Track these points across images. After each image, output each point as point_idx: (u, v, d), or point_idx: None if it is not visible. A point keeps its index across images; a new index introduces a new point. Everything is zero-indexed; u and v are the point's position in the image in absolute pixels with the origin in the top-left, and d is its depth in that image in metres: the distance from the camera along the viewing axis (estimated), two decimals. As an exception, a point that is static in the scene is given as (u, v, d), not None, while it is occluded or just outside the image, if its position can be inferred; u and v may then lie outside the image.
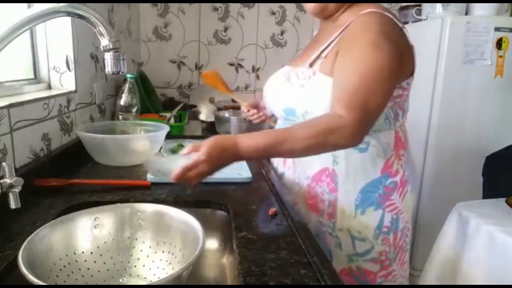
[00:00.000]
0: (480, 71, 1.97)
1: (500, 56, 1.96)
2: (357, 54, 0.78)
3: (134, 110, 1.39)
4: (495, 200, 1.56)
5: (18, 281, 0.50)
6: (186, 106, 2.00)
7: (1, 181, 0.60)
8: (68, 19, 1.16)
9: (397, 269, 0.94)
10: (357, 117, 0.72)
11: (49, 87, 1.20)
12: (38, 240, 0.54)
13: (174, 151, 1.07)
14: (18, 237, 0.62)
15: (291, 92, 0.91)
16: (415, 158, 2.08)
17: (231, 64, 2.48)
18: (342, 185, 0.89)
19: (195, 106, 2.08)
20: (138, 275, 0.63)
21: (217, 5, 2.39)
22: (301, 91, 0.88)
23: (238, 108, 1.77)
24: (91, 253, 0.62)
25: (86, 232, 0.62)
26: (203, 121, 2.02)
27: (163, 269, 0.62)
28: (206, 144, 0.71)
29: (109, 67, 0.70)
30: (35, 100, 0.94)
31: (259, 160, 0.89)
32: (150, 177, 0.93)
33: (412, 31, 2.33)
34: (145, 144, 1.10)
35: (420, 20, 2.18)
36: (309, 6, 0.91)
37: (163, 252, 0.64)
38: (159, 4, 2.34)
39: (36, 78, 1.17)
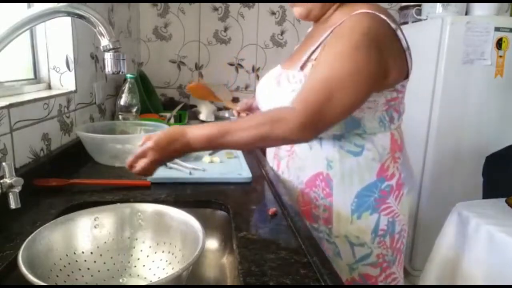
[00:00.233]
0: (480, 71, 1.97)
1: (500, 56, 1.96)
2: (334, 55, 0.77)
3: (134, 110, 1.39)
4: (495, 200, 1.56)
5: (18, 281, 0.50)
6: (186, 106, 2.00)
7: (1, 181, 0.60)
8: (68, 19, 1.16)
9: (397, 272, 0.94)
10: (307, 112, 0.72)
11: (49, 87, 1.20)
12: (38, 240, 0.54)
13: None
14: (18, 237, 0.62)
15: (282, 97, 0.88)
16: (415, 159, 2.10)
17: (231, 64, 2.48)
18: (337, 190, 0.88)
19: (195, 106, 2.08)
20: (138, 275, 0.63)
21: (217, 5, 2.39)
22: (291, 96, 0.84)
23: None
24: (91, 253, 0.62)
25: (86, 232, 0.62)
26: (203, 121, 2.02)
27: (163, 269, 0.62)
28: (157, 134, 0.76)
29: (109, 67, 0.70)
30: (35, 100, 0.94)
31: (209, 149, 0.85)
32: (150, 177, 0.93)
33: (412, 31, 2.34)
34: (145, 144, 1.09)
35: (420, 20, 2.18)
36: (295, 10, 0.91)
37: (163, 252, 0.64)
38: (159, 4, 2.34)
39: (36, 78, 1.17)
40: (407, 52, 0.82)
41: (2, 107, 0.79)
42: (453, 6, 2.03)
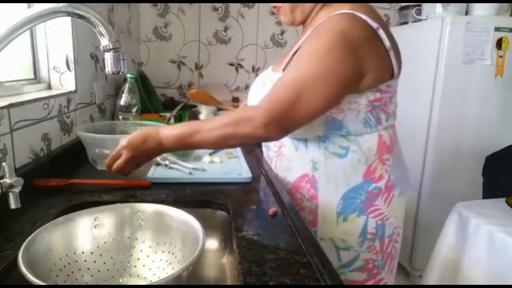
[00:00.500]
0: (480, 71, 1.97)
1: (500, 56, 1.97)
2: (306, 56, 0.78)
3: (134, 110, 1.39)
4: (495, 200, 1.56)
5: (18, 281, 0.50)
6: (186, 106, 2.00)
7: (1, 181, 0.60)
8: (68, 19, 1.16)
9: (386, 277, 0.92)
10: (271, 111, 0.73)
11: (49, 87, 1.20)
12: (38, 240, 0.54)
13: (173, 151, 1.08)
14: (18, 237, 0.62)
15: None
16: (415, 159, 2.10)
17: (231, 64, 2.48)
18: (323, 192, 0.87)
19: (195, 106, 2.08)
20: (138, 275, 0.63)
21: (217, 5, 2.39)
22: None
23: (237, 107, 1.77)
24: (91, 253, 0.62)
25: (86, 232, 0.62)
26: (203, 121, 2.02)
27: (163, 269, 0.62)
28: (131, 135, 0.82)
29: (109, 67, 0.70)
30: (35, 100, 0.94)
31: (181, 149, 0.88)
32: (150, 177, 0.93)
33: (412, 31, 2.34)
34: (145, 144, 1.09)
35: (420, 20, 2.18)
36: (281, 18, 0.93)
37: (163, 252, 0.64)
38: (159, 4, 2.34)
39: (36, 78, 1.17)
40: (390, 52, 0.80)
41: (2, 107, 0.79)
42: (453, 6, 2.03)
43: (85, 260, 0.60)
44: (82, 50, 1.27)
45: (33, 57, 1.16)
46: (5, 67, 1.02)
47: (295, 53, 0.86)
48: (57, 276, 0.55)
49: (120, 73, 0.72)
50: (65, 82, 1.20)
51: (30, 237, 0.53)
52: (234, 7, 2.40)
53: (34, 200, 0.77)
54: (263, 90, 0.90)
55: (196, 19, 2.39)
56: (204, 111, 2.05)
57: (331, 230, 0.88)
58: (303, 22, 0.92)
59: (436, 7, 2.08)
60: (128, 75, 1.38)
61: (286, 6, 0.90)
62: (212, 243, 0.82)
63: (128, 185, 0.89)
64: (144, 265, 0.64)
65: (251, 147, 1.23)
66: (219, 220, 0.82)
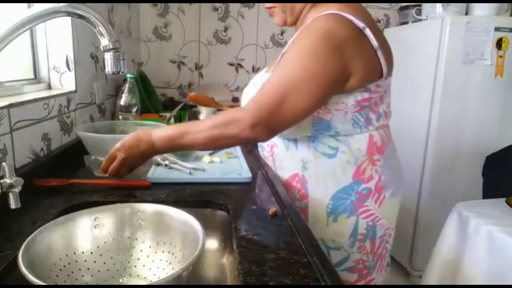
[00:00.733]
0: (480, 71, 1.97)
1: (500, 56, 1.97)
2: (290, 57, 0.79)
3: (134, 110, 1.39)
4: (495, 200, 1.56)
5: (18, 281, 0.50)
6: (186, 106, 2.00)
7: (1, 181, 0.60)
8: (68, 19, 1.16)
9: (376, 277, 0.92)
10: (257, 112, 0.75)
11: (49, 87, 1.20)
12: (38, 240, 0.54)
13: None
14: (18, 237, 0.62)
15: None
16: (415, 159, 2.10)
17: (231, 64, 2.48)
18: (312, 192, 0.88)
19: (195, 106, 2.08)
20: (138, 275, 0.63)
21: (217, 5, 2.39)
22: None
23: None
24: (91, 253, 0.62)
25: (86, 232, 0.62)
26: (203, 121, 2.02)
27: (163, 269, 0.62)
28: (125, 137, 0.84)
29: (109, 67, 0.70)
30: (35, 100, 0.94)
31: (172, 150, 0.90)
32: (150, 177, 0.93)
33: (412, 31, 2.34)
34: (145, 144, 1.09)
35: (420, 20, 2.18)
36: (274, 18, 0.94)
37: (163, 252, 0.64)
38: (159, 4, 2.34)
39: (36, 78, 1.17)
40: (378, 51, 0.80)
41: (2, 107, 0.79)
42: (453, 6, 2.04)
43: (85, 260, 0.60)
44: (82, 50, 1.27)
45: (33, 57, 1.16)
46: (5, 67, 1.02)
47: (284, 53, 0.87)
48: (57, 276, 0.55)
49: (120, 73, 0.72)
50: (65, 82, 1.20)
51: (30, 237, 0.53)
52: (234, 7, 2.40)
53: (34, 200, 0.77)
54: (254, 90, 0.91)
55: (196, 19, 2.39)
56: (204, 111, 2.05)
57: (321, 230, 0.88)
58: (295, 23, 0.92)
59: (436, 7, 2.08)
60: (128, 75, 1.38)
61: (277, 7, 0.91)
62: (212, 243, 0.82)
63: (128, 185, 0.89)
64: (144, 265, 0.64)
65: (251, 147, 1.23)
66: (219, 220, 0.82)
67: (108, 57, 0.70)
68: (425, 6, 2.17)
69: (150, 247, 0.65)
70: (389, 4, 2.51)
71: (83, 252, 0.61)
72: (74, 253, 0.60)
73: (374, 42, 0.79)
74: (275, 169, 0.98)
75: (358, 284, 0.90)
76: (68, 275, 0.57)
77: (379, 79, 0.83)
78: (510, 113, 2.06)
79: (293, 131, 0.83)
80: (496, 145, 1.94)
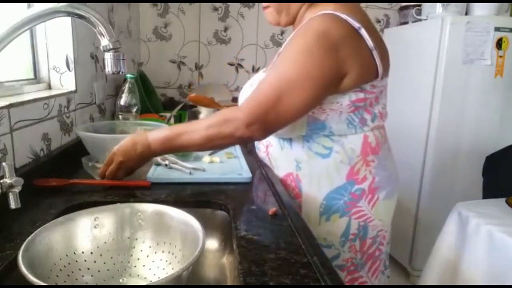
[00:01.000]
0: (480, 71, 1.97)
1: (500, 56, 1.97)
2: (286, 56, 0.79)
3: (134, 110, 1.39)
4: (495, 200, 1.56)
5: (18, 281, 0.50)
6: (186, 106, 2.00)
7: (1, 181, 0.60)
8: (68, 19, 1.16)
9: (366, 277, 0.92)
10: (252, 112, 0.76)
11: (49, 87, 1.20)
12: (38, 240, 0.54)
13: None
14: (18, 237, 0.62)
15: None
16: (415, 159, 2.10)
17: (231, 64, 2.48)
18: (306, 191, 0.88)
19: (195, 106, 2.08)
20: (138, 275, 0.63)
21: (217, 5, 2.39)
22: None
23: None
24: (91, 253, 0.62)
25: (86, 232, 0.62)
26: (203, 121, 2.02)
27: (163, 269, 0.62)
28: (122, 140, 0.85)
29: (109, 67, 0.70)
30: (35, 100, 0.94)
31: (168, 152, 0.90)
32: (150, 177, 0.93)
33: (412, 31, 2.34)
34: (145, 144, 1.10)
35: (420, 20, 2.19)
36: (267, 18, 0.94)
37: (163, 252, 0.64)
38: (159, 4, 2.34)
39: (36, 78, 1.17)
40: (374, 52, 0.80)
41: (2, 107, 0.79)
42: (453, 6, 2.04)
43: (85, 260, 0.60)
44: (82, 50, 1.27)
45: (33, 57, 1.16)
46: (5, 67, 1.02)
47: (280, 53, 0.87)
48: (57, 276, 0.55)
49: (120, 73, 0.72)
50: (65, 82, 1.20)
51: (30, 237, 0.53)
52: (234, 7, 2.40)
53: (34, 200, 0.77)
54: (250, 89, 0.91)
55: (196, 19, 2.39)
56: (204, 111, 2.05)
57: (314, 229, 0.87)
58: (290, 23, 0.92)
59: (436, 7, 2.08)
60: (128, 75, 1.38)
61: (272, 7, 0.90)
62: (212, 243, 0.82)
63: (128, 185, 0.89)
64: (144, 265, 0.64)
65: (251, 148, 1.23)
66: (219, 220, 0.82)
67: (108, 57, 0.70)
68: (425, 6, 2.17)
69: (150, 247, 0.65)
70: (389, 4, 2.51)
71: (83, 252, 0.61)
72: (74, 253, 0.60)
73: (370, 42, 0.79)
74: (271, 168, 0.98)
75: (345, 280, 0.90)
76: (68, 275, 0.57)
77: (375, 80, 0.83)
78: (510, 113, 2.06)
79: (288, 130, 0.83)
80: (496, 145, 1.94)
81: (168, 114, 1.69)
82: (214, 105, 1.28)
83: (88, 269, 0.60)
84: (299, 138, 0.88)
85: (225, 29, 2.43)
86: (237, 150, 1.22)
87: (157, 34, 2.38)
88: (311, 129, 0.85)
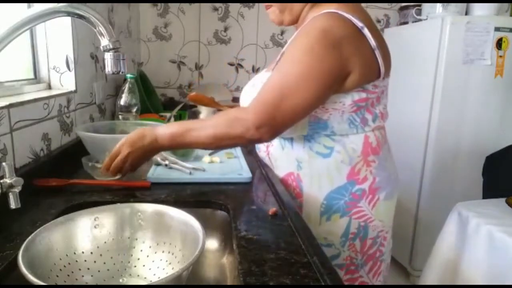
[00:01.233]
0: (480, 71, 1.97)
1: (500, 56, 1.97)
2: (289, 56, 0.79)
3: (134, 110, 1.39)
4: (495, 200, 1.56)
5: (18, 281, 0.50)
6: (186, 106, 2.00)
7: (1, 181, 0.60)
8: (68, 19, 1.16)
9: (366, 277, 0.92)
10: (260, 113, 0.75)
11: (49, 87, 1.20)
12: (38, 240, 0.54)
13: (174, 151, 1.08)
14: (18, 237, 0.62)
15: (253, 97, 0.91)
16: (415, 159, 2.10)
17: (231, 64, 2.48)
18: (307, 191, 0.88)
19: (195, 106, 2.08)
20: (138, 275, 0.63)
21: (217, 5, 2.39)
22: None
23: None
24: (91, 253, 0.62)
25: (86, 232, 0.62)
26: (203, 121, 2.02)
27: (163, 269, 0.62)
28: (130, 133, 0.84)
29: (109, 67, 0.70)
30: (35, 100, 0.94)
31: (175, 147, 0.89)
32: (150, 177, 0.93)
33: (412, 31, 2.34)
34: (145, 144, 1.09)
35: (420, 20, 2.18)
36: (270, 17, 0.94)
37: (163, 252, 0.64)
38: (159, 4, 2.34)
39: (36, 78, 1.17)
40: (376, 51, 0.80)
41: (2, 107, 0.79)
42: (453, 6, 2.04)
43: (85, 260, 0.60)
44: (82, 50, 1.27)
45: (33, 57, 1.16)
46: (5, 67, 1.02)
47: (283, 53, 0.88)
48: (57, 276, 0.55)
49: (120, 73, 0.72)
50: (65, 82, 1.20)
51: (30, 237, 0.53)
52: (234, 7, 2.40)
53: (34, 200, 0.77)
54: (253, 90, 0.92)
55: (196, 19, 2.39)
56: (204, 111, 2.05)
57: (314, 228, 0.88)
58: (293, 23, 0.92)
59: (436, 7, 2.08)
60: (128, 75, 1.38)
61: (275, 6, 0.90)
62: (212, 243, 0.82)
63: (128, 185, 0.89)
64: (144, 265, 0.64)
65: (251, 148, 1.23)
66: (219, 220, 0.82)
67: (108, 57, 0.70)
68: (425, 6, 2.17)
69: (150, 247, 0.65)
70: (389, 4, 2.51)
71: (83, 252, 0.61)
72: (74, 253, 0.60)
73: (372, 41, 0.79)
74: (271, 168, 0.98)
75: (344, 278, 0.90)
76: (68, 275, 0.57)
77: (377, 79, 0.83)
78: (510, 113, 2.06)
79: (290, 130, 0.83)
80: (496, 145, 1.94)
81: (168, 114, 1.69)
82: (214, 105, 1.28)
83: (88, 269, 0.60)
84: (300, 137, 0.88)
85: (225, 29, 2.43)
86: (237, 150, 1.22)
87: (157, 34, 2.38)
88: (312, 128, 0.85)
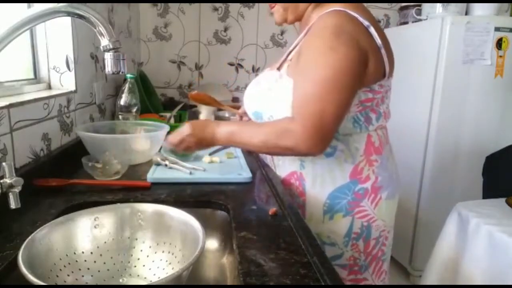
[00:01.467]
0: (480, 71, 1.97)
1: (500, 56, 1.97)
2: (311, 59, 0.78)
3: (134, 110, 1.39)
4: (495, 200, 1.56)
5: (18, 281, 0.50)
6: (186, 106, 2.00)
7: (1, 181, 0.60)
8: (68, 19, 1.16)
9: (370, 279, 0.92)
10: (307, 124, 0.74)
11: (49, 87, 1.20)
12: (38, 240, 0.54)
13: (173, 151, 1.08)
14: (18, 237, 0.62)
15: (259, 95, 0.92)
16: (415, 159, 2.10)
17: (231, 64, 2.48)
18: (310, 189, 0.88)
19: (195, 106, 2.08)
20: (138, 275, 0.63)
21: (217, 5, 2.39)
22: (267, 94, 0.88)
23: (238, 108, 1.77)
24: (91, 253, 0.62)
25: (86, 232, 0.62)
26: (203, 121, 2.02)
27: (163, 269, 0.62)
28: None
29: (109, 67, 0.70)
30: (35, 100, 0.94)
31: (228, 144, 0.94)
32: (150, 177, 0.93)
33: (412, 31, 2.34)
34: (145, 144, 1.10)
35: (420, 20, 2.18)
36: (274, 15, 0.94)
37: (163, 252, 0.64)
38: (159, 4, 2.34)
39: (36, 78, 1.17)
40: (381, 50, 0.80)
41: (2, 107, 0.79)
42: (453, 6, 2.03)
43: (85, 260, 0.60)
44: (82, 50, 1.27)
45: (33, 57, 1.16)
46: (5, 67, 1.02)
47: (289, 52, 0.89)
48: (57, 276, 0.55)
49: (120, 73, 0.72)
50: (65, 82, 1.20)
51: (30, 237, 0.53)
52: (234, 7, 2.40)
53: (34, 200, 0.77)
54: (257, 87, 0.93)
55: (196, 19, 2.39)
56: (204, 111, 2.05)
57: (317, 226, 0.89)
58: (297, 20, 0.92)
59: (436, 7, 2.08)
60: (128, 75, 1.38)
61: (279, 5, 0.91)
62: (212, 243, 0.82)
63: (128, 185, 0.89)
64: (144, 265, 0.64)
65: None
66: (219, 220, 0.82)
67: (108, 57, 0.70)
68: (425, 6, 2.17)
69: (150, 247, 0.65)
70: (389, 4, 2.51)
71: (83, 252, 0.61)
72: (74, 253, 0.60)
73: (378, 40, 0.80)
74: (273, 166, 0.98)
75: (347, 279, 0.90)
76: (68, 275, 0.57)
77: (382, 79, 0.84)
78: (510, 113, 2.06)
79: None
80: (496, 145, 1.94)
81: (168, 114, 1.69)
82: (215, 104, 1.28)
83: (88, 269, 0.60)
84: None
85: (225, 29, 2.43)
86: (237, 150, 1.22)
87: (157, 34, 2.38)
88: None
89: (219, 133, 0.87)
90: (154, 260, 0.64)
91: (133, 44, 2.18)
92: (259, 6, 2.41)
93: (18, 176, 0.60)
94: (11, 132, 0.82)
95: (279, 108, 0.84)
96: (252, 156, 1.17)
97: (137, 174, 0.99)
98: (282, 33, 2.47)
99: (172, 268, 0.61)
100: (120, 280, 0.62)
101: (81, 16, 0.65)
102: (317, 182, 0.88)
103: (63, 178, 0.87)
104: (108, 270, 0.62)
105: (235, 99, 2.37)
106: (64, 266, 0.57)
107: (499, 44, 1.95)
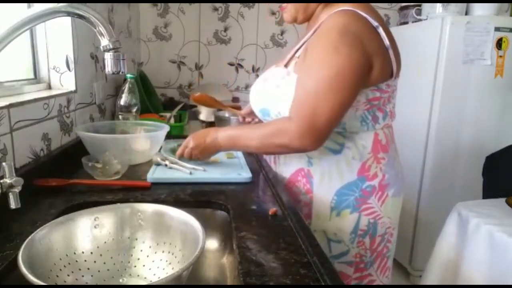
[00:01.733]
0: (480, 71, 1.97)
1: (500, 56, 1.97)
2: (315, 59, 0.79)
3: (134, 110, 1.39)
4: (495, 200, 1.56)
5: (18, 281, 0.50)
6: (186, 106, 2.00)
7: (1, 181, 0.60)
8: (68, 19, 1.16)
9: (375, 275, 0.93)
10: (302, 122, 0.77)
11: (49, 87, 1.20)
12: (38, 240, 0.54)
13: (174, 151, 1.08)
14: (18, 237, 0.62)
15: (266, 92, 0.92)
16: (415, 158, 2.10)
17: (231, 64, 2.48)
18: (317, 187, 0.89)
19: (195, 106, 2.08)
20: (138, 275, 0.63)
21: (217, 5, 2.39)
22: (275, 91, 0.89)
23: (238, 108, 1.77)
24: (91, 253, 0.62)
25: (86, 232, 0.62)
26: (203, 121, 2.02)
27: (163, 269, 0.62)
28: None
29: (109, 67, 0.70)
30: (35, 100, 0.94)
31: (230, 148, 0.97)
32: (150, 177, 0.93)
33: (412, 31, 2.33)
34: (145, 144, 1.10)
35: (420, 20, 2.18)
36: (283, 16, 0.95)
37: (163, 252, 0.64)
38: (159, 4, 2.34)
39: (36, 78, 1.17)
40: (389, 51, 0.81)
41: (2, 107, 0.79)
42: (453, 6, 2.03)
43: (85, 260, 0.60)
44: (82, 50, 1.27)
45: (33, 57, 1.16)
46: (5, 67, 1.02)
47: (297, 50, 0.89)
48: (57, 276, 0.55)
49: (120, 73, 0.72)
50: (65, 82, 1.20)
51: (30, 237, 0.53)
52: (234, 7, 2.40)
53: (34, 200, 0.77)
54: (264, 84, 0.94)
55: (196, 19, 2.39)
56: (204, 111, 2.05)
57: (324, 223, 0.89)
58: (306, 21, 0.93)
59: (436, 7, 2.08)
60: (128, 75, 1.38)
61: (290, 5, 0.92)
62: (212, 243, 0.82)
63: (128, 185, 0.89)
64: (144, 265, 0.64)
65: None
66: (219, 220, 0.82)
67: (108, 57, 0.70)
68: (425, 6, 2.17)
69: (150, 247, 0.65)
70: (389, 4, 2.51)
71: (83, 252, 0.61)
72: (74, 253, 0.60)
73: (386, 41, 0.81)
74: (278, 164, 0.98)
75: (353, 277, 0.91)
76: (68, 275, 0.57)
77: (390, 79, 0.85)
78: (510, 113, 2.06)
79: None
80: (496, 145, 1.93)
81: (168, 114, 1.69)
82: (217, 105, 1.29)
83: (88, 269, 0.60)
84: None
85: (225, 29, 2.43)
86: (237, 150, 1.22)
87: (157, 34, 2.38)
88: None
89: (220, 139, 0.92)
90: (154, 260, 0.64)
91: (133, 44, 2.18)
92: (259, 6, 2.41)
93: (18, 176, 0.60)
94: (11, 132, 0.82)
95: (286, 105, 0.84)
96: (252, 156, 1.17)
97: (137, 174, 0.99)
98: (282, 33, 2.47)
99: (172, 268, 0.61)
100: (120, 280, 0.62)
101: (81, 16, 0.65)
102: (325, 179, 0.88)
103: (63, 178, 0.87)
104: (108, 270, 0.62)
105: (235, 99, 2.37)
106: (64, 266, 0.57)
107: (499, 44, 1.95)
